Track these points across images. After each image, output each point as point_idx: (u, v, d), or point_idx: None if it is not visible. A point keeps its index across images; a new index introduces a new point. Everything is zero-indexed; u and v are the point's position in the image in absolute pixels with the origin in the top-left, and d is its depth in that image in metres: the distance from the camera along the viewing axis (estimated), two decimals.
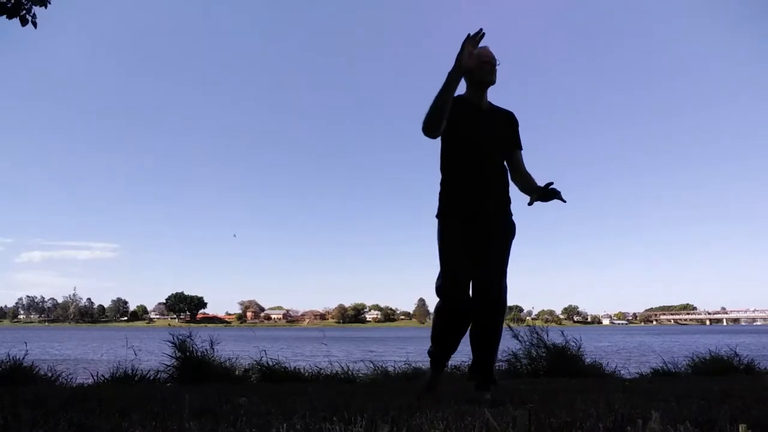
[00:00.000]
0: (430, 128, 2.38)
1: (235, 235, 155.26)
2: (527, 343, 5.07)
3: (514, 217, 2.60)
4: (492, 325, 2.44)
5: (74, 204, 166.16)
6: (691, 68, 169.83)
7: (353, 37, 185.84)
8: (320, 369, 4.78)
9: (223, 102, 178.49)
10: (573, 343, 5.05)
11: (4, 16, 3.81)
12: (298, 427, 1.44)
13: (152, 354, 4.76)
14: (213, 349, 4.61)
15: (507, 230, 2.54)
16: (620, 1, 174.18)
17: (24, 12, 3.85)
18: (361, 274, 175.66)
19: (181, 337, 4.58)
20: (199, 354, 4.50)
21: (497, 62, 2.51)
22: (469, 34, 2.27)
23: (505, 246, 2.49)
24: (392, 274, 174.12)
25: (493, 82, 2.53)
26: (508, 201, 2.61)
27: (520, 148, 2.69)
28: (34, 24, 3.92)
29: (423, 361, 5.22)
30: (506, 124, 2.65)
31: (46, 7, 4.02)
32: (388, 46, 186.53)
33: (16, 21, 3.86)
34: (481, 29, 2.30)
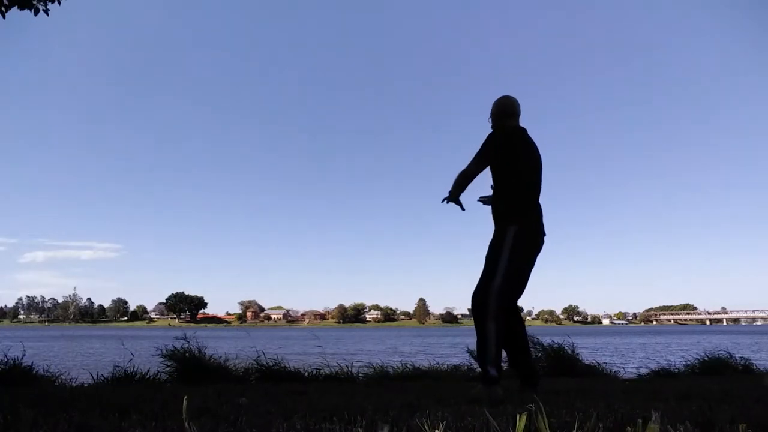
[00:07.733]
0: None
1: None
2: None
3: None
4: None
5: (78, 205, 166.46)
6: (697, 71, 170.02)
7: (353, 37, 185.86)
8: (320, 369, 4.77)
9: (223, 108, 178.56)
10: (567, 347, 5.07)
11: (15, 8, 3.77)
12: (298, 427, 1.44)
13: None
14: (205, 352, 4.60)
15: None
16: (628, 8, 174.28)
17: (35, 2, 3.83)
18: (361, 274, 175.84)
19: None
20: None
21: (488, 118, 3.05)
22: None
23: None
24: (392, 274, 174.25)
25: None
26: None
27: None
28: (46, 12, 3.88)
29: (422, 361, 5.22)
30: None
31: (59, 3, 3.97)
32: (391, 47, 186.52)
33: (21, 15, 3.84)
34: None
